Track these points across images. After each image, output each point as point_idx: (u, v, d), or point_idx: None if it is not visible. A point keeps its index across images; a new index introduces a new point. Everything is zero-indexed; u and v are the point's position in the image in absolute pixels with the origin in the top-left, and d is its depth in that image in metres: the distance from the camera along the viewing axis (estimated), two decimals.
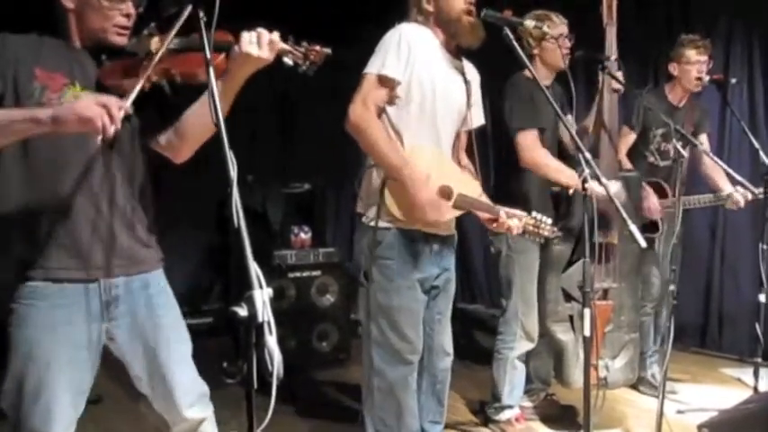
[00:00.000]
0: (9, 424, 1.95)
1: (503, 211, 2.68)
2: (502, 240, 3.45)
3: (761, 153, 3.59)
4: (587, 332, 2.42)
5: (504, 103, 3.34)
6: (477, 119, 2.85)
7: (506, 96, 3.36)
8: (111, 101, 1.66)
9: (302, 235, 5.00)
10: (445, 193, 2.59)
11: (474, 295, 6.62)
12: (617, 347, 3.30)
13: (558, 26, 3.30)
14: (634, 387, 4.08)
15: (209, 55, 1.58)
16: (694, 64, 3.96)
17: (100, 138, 1.65)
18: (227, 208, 1.45)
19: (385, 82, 2.53)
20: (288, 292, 4.70)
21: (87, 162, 1.93)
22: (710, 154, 3.85)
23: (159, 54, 1.81)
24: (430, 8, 2.62)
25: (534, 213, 2.74)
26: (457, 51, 2.72)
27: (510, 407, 3.59)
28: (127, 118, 1.88)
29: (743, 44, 5.03)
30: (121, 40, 1.96)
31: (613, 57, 3.24)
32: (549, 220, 2.76)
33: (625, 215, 2.24)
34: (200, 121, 1.95)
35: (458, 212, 2.69)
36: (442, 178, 2.57)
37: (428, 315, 2.78)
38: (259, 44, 1.82)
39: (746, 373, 4.24)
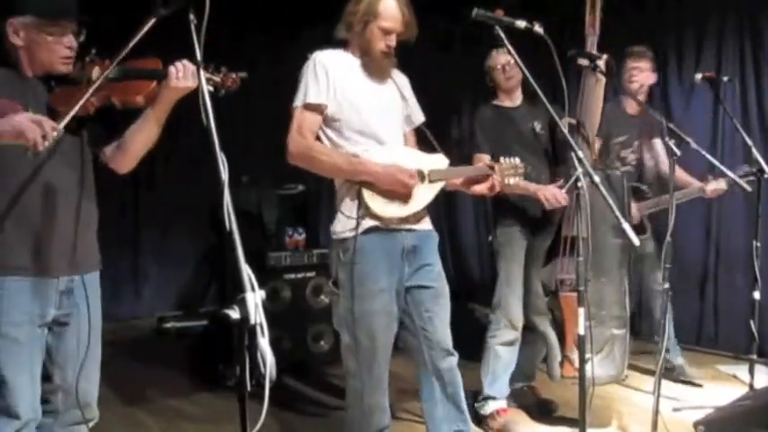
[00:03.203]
0: None
1: (484, 167, 2.86)
2: (493, 234, 3.64)
3: (753, 150, 3.61)
4: (582, 330, 2.42)
5: (475, 132, 3.63)
6: (417, 117, 2.95)
7: (475, 126, 3.67)
8: (45, 120, 1.90)
9: (296, 236, 5.00)
10: (417, 175, 2.69)
11: (470, 293, 6.61)
12: (600, 343, 3.31)
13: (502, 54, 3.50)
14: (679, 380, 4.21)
15: (199, 57, 1.60)
16: (628, 70, 4.25)
17: (30, 152, 1.87)
18: (221, 209, 1.45)
19: (312, 109, 2.67)
20: (283, 293, 4.69)
21: (41, 174, 2.18)
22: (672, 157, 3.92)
23: (95, 84, 2.06)
24: (358, 29, 2.71)
25: (505, 160, 2.89)
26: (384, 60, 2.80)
27: (493, 398, 3.62)
28: (77, 130, 2.24)
29: (734, 42, 5.04)
30: (66, 69, 2.23)
31: (605, 56, 3.25)
32: (517, 159, 2.92)
33: (617, 212, 2.25)
34: (140, 137, 2.32)
35: (436, 190, 2.77)
36: (406, 166, 2.69)
37: (416, 314, 2.76)
38: (185, 75, 2.14)
39: (742, 370, 4.25)
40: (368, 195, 2.66)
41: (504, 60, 3.50)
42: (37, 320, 2.20)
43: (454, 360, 2.82)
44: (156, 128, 2.29)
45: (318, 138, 2.73)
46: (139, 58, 2.17)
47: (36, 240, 2.18)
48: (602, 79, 3.28)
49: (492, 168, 2.83)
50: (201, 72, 1.67)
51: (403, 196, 2.68)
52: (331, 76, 2.66)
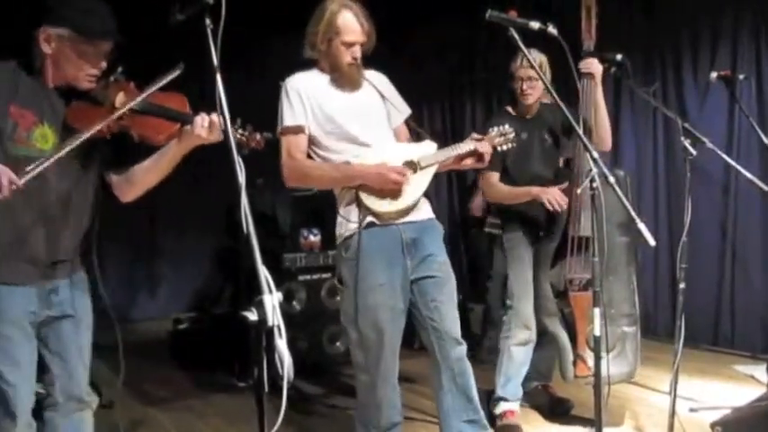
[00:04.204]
0: None
1: (472, 142, 2.88)
2: (500, 239, 3.70)
3: None
4: (597, 331, 2.42)
5: None
6: (402, 111, 3.02)
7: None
8: (4, 174, 1.88)
9: (311, 237, 5.02)
10: (408, 165, 2.79)
11: (483, 295, 6.60)
12: (612, 341, 3.30)
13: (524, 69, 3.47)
14: None
15: (215, 62, 1.61)
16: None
17: None
18: (236, 211, 1.47)
19: (294, 131, 2.77)
20: (298, 294, 4.72)
21: (44, 190, 2.16)
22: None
23: (116, 115, 2.07)
24: (322, 48, 2.81)
25: (492, 129, 2.95)
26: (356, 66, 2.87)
27: (504, 400, 3.62)
28: (89, 150, 2.18)
29: (750, 39, 4.99)
30: (90, 86, 2.19)
31: (619, 56, 3.25)
32: (506, 126, 2.96)
33: (633, 212, 2.25)
34: (152, 175, 2.31)
35: (430, 175, 2.85)
36: (396, 161, 2.77)
37: (422, 305, 2.81)
38: (210, 129, 2.12)
39: (759, 370, 4.23)
40: (365, 196, 2.75)
41: (525, 75, 3.45)
42: (31, 318, 2.21)
43: (463, 349, 2.85)
44: (170, 168, 2.28)
45: (310, 157, 2.83)
46: (164, 90, 2.14)
47: (23, 256, 2.17)
48: (599, 83, 3.27)
49: (480, 140, 2.89)
50: (218, 79, 1.66)
51: (397, 191, 2.76)
52: (304, 97, 2.78)
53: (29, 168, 1.96)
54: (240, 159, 1.53)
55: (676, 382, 3.21)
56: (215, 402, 4.27)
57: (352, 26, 2.76)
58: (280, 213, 5.37)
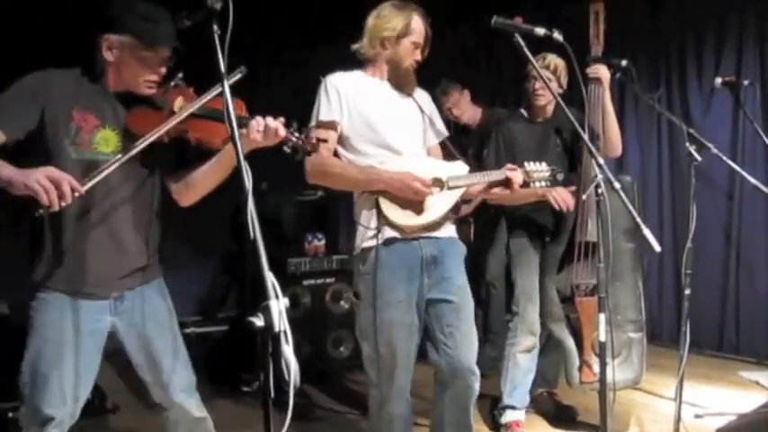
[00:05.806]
0: (22, 403, 2.20)
1: (505, 170, 2.82)
2: (507, 244, 3.72)
3: None
4: (603, 336, 2.42)
5: (489, 140, 3.63)
6: (439, 132, 2.98)
7: (492, 136, 3.65)
8: (65, 180, 1.88)
9: (316, 242, 5.03)
10: (435, 182, 2.70)
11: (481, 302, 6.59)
12: (618, 347, 3.29)
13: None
14: None
15: (223, 69, 1.61)
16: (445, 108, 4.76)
17: (44, 210, 1.88)
18: (242, 216, 1.47)
19: (326, 127, 2.73)
20: (302, 299, 4.72)
21: (110, 205, 2.21)
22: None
23: (174, 121, 2.10)
24: (389, 46, 2.78)
25: (529, 164, 2.87)
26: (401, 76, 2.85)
27: (512, 407, 3.61)
28: (149, 153, 2.16)
29: (755, 45, 5.00)
30: (150, 92, 2.25)
31: (624, 61, 3.25)
32: (544, 165, 2.90)
33: (638, 219, 2.25)
34: (211, 179, 2.31)
35: (455, 197, 2.77)
36: (424, 175, 2.67)
37: (438, 329, 2.74)
38: (265, 134, 2.11)
39: (764, 376, 4.22)
40: (385, 205, 2.67)
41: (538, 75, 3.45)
42: (85, 328, 2.22)
43: (473, 379, 2.77)
44: (227, 171, 2.26)
45: (337, 156, 2.78)
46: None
47: (77, 265, 2.19)
48: (607, 88, 3.27)
49: (514, 170, 2.82)
50: (227, 87, 1.65)
51: (418, 204, 2.68)
52: (342, 94, 2.74)
53: (92, 175, 2.00)
54: (247, 164, 1.53)
55: (681, 388, 3.20)
56: (219, 407, 4.24)
57: (421, 29, 2.78)
58: (284, 218, 5.37)
